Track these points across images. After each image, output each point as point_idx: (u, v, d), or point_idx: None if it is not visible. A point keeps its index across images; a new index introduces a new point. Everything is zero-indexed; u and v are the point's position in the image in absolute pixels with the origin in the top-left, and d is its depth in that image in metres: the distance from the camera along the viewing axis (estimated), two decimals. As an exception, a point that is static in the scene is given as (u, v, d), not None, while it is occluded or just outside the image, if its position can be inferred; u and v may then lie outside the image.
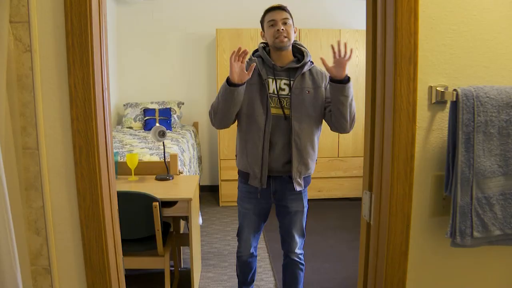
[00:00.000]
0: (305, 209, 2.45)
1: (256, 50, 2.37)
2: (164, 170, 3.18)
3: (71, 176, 1.17)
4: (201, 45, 5.44)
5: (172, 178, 3.11)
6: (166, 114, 4.90)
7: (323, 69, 2.27)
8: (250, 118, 2.25)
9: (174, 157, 3.23)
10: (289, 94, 2.24)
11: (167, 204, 2.72)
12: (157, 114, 4.87)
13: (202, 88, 5.50)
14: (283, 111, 2.24)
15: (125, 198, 2.61)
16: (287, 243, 2.52)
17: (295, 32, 2.29)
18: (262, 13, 2.36)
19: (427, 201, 1.21)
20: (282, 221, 2.50)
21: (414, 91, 1.08)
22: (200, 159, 5.23)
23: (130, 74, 5.42)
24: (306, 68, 2.26)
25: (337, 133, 4.87)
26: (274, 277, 3.27)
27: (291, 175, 2.28)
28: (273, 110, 2.23)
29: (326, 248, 3.82)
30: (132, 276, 3.23)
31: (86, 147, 1.07)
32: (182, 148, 3.93)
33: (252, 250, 2.57)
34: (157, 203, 2.59)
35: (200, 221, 3.41)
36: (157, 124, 4.69)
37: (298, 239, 2.48)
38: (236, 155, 2.46)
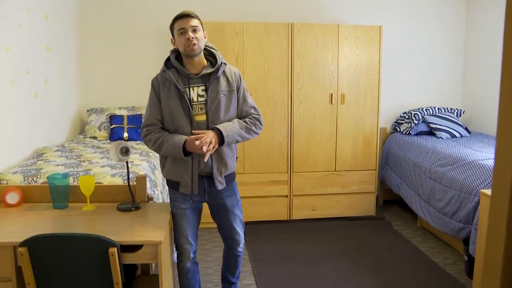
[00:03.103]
0: (239, 202, 2.57)
1: (168, 59, 2.37)
2: (130, 195, 2.50)
3: None
4: (178, 42, 4.75)
5: (138, 208, 2.43)
6: (136, 122, 4.19)
7: (236, 68, 2.46)
8: (177, 131, 2.30)
9: (141, 179, 2.56)
10: (206, 99, 2.31)
11: (129, 247, 2.04)
12: (125, 121, 4.17)
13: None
14: (205, 116, 2.32)
15: (70, 243, 1.92)
16: (231, 239, 2.58)
17: (205, 37, 2.35)
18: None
19: None
20: (222, 219, 2.55)
21: None
22: (176, 173, 4.53)
23: (95, 75, 4.69)
24: (220, 72, 2.33)
25: (334, 145, 4.37)
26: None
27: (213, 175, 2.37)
28: (197, 118, 2.30)
29: (326, 284, 3.19)
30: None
31: None
32: (153, 164, 3.25)
33: (192, 254, 2.50)
34: (115, 249, 1.91)
35: (175, 258, 2.75)
36: (124, 137, 3.99)
37: (241, 232, 2.58)
38: (162, 166, 2.46)
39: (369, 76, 4.37)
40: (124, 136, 4.04)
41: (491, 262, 0.71)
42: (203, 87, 2.31)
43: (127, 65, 4.72)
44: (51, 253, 1.92)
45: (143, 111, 4.37)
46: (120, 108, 4.41)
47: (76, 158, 3.19)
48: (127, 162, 2.44)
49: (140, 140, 4.07)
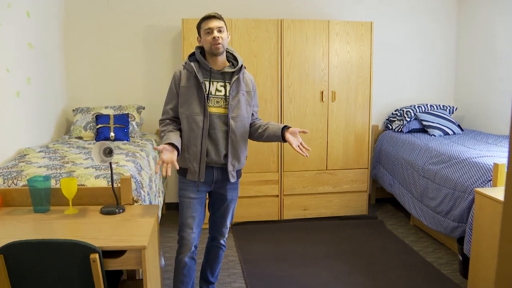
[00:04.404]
0: (237, 197, 2.74)
1: (192, 54, 2.56)
2: (114, 197, 2.41)
3: None
4: (165, 39, 4.66)
5: (123, 211, 2.34)
6: (123, 121, 4.09)
7: (251, 74, 2.69)
8: (189, 118, 2.48)
9: (126, 181, 2.46)
10: (226, 95, 2.50)
11: (113, 252, 1.95)
12: (111, 121, 4.06)
13: (166, 89, 4.67)
14: (222, 110, 2.50)
15: (49, 249, 1.83)
16: (218, 229, 2.75)
17: (228, 37, 2.54)
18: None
19: None
20: (217, 208, 2.70)
21: None
22: (164, 173, 4.44)
23: (80, 74, 4.59)
24: (241, 73, 2.54)
25: (325, 143, 4.30)
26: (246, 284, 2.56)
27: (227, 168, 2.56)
28: (212, 110, 2.48)
29: (318, 285, 3.12)
30: None
31: None
32: (139, 165, 3.15)
33: (193, 247, 2.59)
34: (97, 255, 1.82)
35: (162, 262, 2.66)
36: (110, 137, 3.89)
37: (228, 224, 2.76)
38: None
39: (360, 73, 4.30)
40: (111, 136, 3.94)
41: (505, 263, 0.64)
42: (222, 83, 2.51)
43: (113, 63, 4.62)
44: (29, 260, 1.82)
45: (129, 111, 4.28)
46: (106, 108, 4.31)
47: (59, 159, 3.08)
48: (110, 163, 2.35)
49: (127, 140, 3.97)
